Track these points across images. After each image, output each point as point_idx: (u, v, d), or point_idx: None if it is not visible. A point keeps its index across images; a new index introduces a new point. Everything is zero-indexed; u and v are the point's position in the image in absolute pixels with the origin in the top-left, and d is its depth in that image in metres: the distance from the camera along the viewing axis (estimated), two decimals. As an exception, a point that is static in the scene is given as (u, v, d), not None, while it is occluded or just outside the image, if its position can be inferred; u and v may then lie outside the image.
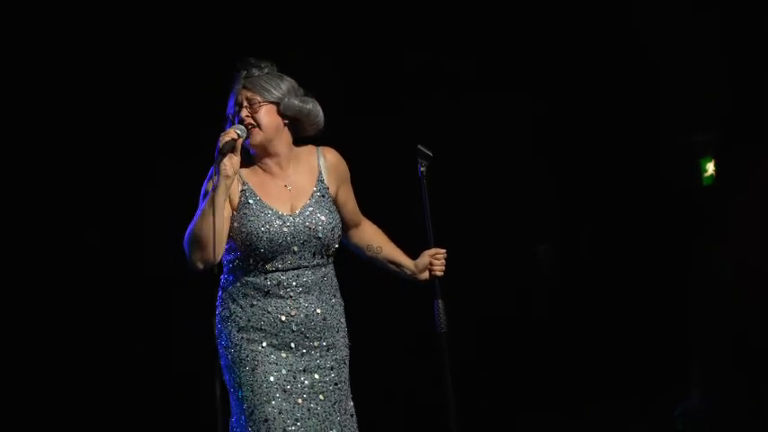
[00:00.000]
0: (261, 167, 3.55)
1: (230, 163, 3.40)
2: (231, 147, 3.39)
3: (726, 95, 5.56)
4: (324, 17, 5.57)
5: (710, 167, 5.84)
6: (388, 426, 3.81)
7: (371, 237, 3.72)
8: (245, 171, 3.54)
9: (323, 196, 3.55)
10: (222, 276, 3.55)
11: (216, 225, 3.37)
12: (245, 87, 3.50)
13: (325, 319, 3.53)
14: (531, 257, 6.22)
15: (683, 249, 5.77)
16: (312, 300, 3.51)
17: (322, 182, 3.57)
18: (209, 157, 3.42)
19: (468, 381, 4.66)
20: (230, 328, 3.49)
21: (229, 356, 3.48)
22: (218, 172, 3.38)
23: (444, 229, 3.80)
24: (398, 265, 3.70)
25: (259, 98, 3.48)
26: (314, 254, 3.51)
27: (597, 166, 6.05)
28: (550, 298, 6.08)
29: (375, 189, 3.66)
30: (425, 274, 3.66)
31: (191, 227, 3.40)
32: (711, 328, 5.49)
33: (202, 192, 3.44)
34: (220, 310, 3.53)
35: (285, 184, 3.54)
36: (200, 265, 3.41)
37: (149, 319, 5.51)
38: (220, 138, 3.40)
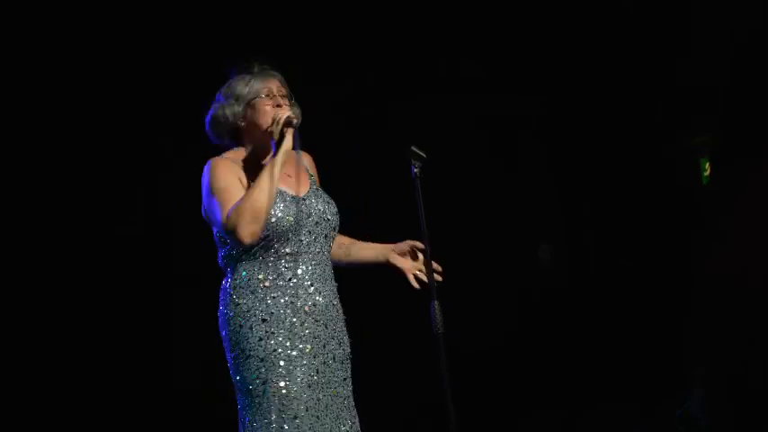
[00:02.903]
0: (266, 157, 3.52)
1: (291, 138, 3.42)
2: (290, 122, 3.41)
3: (725, 95, 5.55)
4: (323, 16, 5.58)
5: (709, 167, 5.84)
6: (387, 426, 3.80)
7: (340, 236, 3.69)
8: (255, 166, 3.51)
9: (317, 188, 3.57)
10: (231, 271, 3.46)
11: (271, 199, 3.37)
12: (279, 81, 3.52)
13: (338, 311, 3.51)
14: (531, 257, 6.21)
15: (683, 250, 5.76)
16: (328, 289, 3.49)
17: (312, 176, 3.59)
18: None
19: (467, 383, 4.66)
20: (251, 322, 3.39)
21: (251, 352, 3.38)
22: (277, 145, 3.40)
23: (443, 230, 3.80)
24: (369, 249, 3.69)
25: (289, 95, 3.52)
26: (326, 237, 3.50)
27: (598, 165, 6.05)
28: (550, 298, 6.07)
29: (372, 189, 3.65)
30: (400, 260, 3.65)
31: (245, 201, 3.34)
32: (713, 329, 5.48)
33: (219, 179, 3.39)
34: (235, 305, 3.42)
35: (287, 173, 3.52)
36: (249, 240, 3.35)
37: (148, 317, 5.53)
38: (278, 114, 3.42)
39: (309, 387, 3.39)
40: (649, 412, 5.68)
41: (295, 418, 3.35)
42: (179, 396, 5.51)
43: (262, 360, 3.38)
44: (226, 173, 3.42)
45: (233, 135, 3.55)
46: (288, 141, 3.42)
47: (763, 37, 5.36)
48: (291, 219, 3.43)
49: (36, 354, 5.41)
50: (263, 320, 3.39)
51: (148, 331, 5.52)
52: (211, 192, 3.41)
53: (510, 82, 5.85)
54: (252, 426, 3.38)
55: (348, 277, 3.64)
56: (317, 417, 3.39)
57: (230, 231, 3.33)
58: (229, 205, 3.35)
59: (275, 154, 3.42)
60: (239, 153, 3.53)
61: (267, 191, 3.36)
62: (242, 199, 3.35)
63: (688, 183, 5.89)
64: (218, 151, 3.55)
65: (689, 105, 5.72)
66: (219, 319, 3.48)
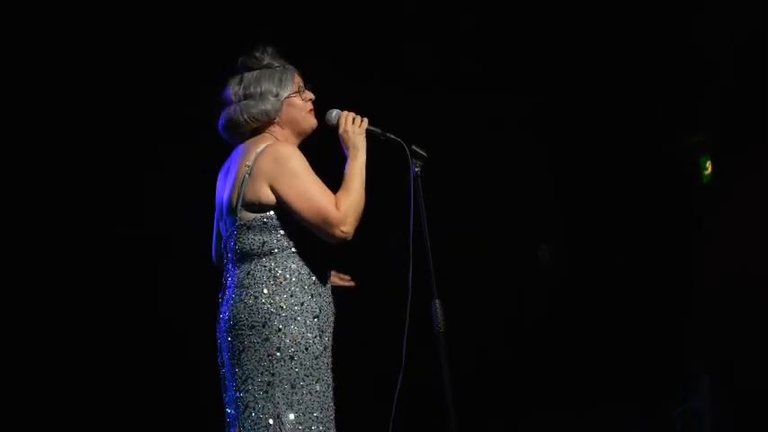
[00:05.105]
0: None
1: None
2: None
3: (725, 95, 5.55)
4: (322, 11, 5.58)
5: (710, 166, 5.83)
6: (386, 426, 3.79)
7: None
8: None
9: None
10: (272, 260, 3.37)
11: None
12: (299, 73, 3.56)
13: None
14: (531, 257, 6.21)
15: (683, 250, 5.76)
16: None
17: None
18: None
19: (467, 382, 4.66)
20: (305, 316, 3.35)
21: (308, 346, 3.34)
22: (360, 147, 3.47)
23: (443, 229, 3.80)
24: None
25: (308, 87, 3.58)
26: None
27: (598, 165, 6.05)
28: (550, 298, 6.07)
29: (372, 188, 3.64)
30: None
31: (355, 199, 3.36)
32: (713, 329, 5.48)
33: (303, 168, 3.36)
34: (288, 296, 3.35)
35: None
36: (350, 237, 3.36)
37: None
38: (350, 117, 3.51)
39: (331, 388, 3.42)
40: (649, 412, 5.67)
41: (332, 419, 3.38)
42: (178, 395, 5.51)
43: (317, 358, 3.36)
44: (306, 162, 3.39)
45: (254, 131, 3.51)
46: (365, 143, 3.49)
47: (763, 37, 5.36)
48: None
49: (36, 353, 5.41)
50: (315, 317, 3.38)
51: (148, 331, 5.52)
52: (296, 176, 3.34)
53: (510, 82, 5.85)
54: (291, 423, 3.31)
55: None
56: (334, 418, 3.42)
57: (339, 224, 3.32)
58: (329, 195, 3.34)
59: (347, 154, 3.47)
60: (276, 140, 3.48)
61: (364, 192, 3.41)
62: (347, 195, 3.36)
63: (688, 182, 5.89)
64: (227, 146, 3.55)
65: (689, 105, 5.72)
66: (250, 309, 3.36)
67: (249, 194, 3.38)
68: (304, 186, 3.34)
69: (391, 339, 3.42)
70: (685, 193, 5.84)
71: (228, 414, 3.44)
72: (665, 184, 5.91)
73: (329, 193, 3.36)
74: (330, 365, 3.42)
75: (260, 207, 3.38)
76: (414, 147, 3.57)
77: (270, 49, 3.54)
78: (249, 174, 3.39)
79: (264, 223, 3.38)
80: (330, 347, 3.43)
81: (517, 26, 5.87)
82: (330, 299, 3.45)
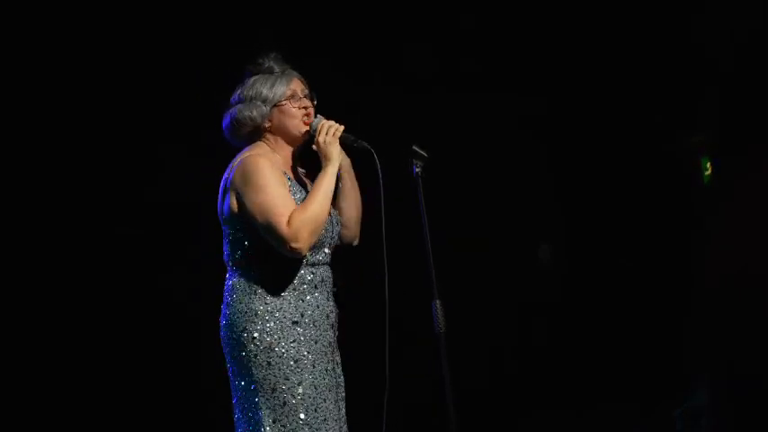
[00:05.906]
0: (285, 163, 3.53)
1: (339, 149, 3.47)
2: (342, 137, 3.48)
3: (725, 95, 5.55)
4: (322, 12, 5.58)
5: (711, 166, 5.83)
6: (386, 427, 3.80)
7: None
8: (282, 165, 3.51)
9: None
10: (252, 269, 3.44)
11: (327, 212, 3.42)
12: (301, 81, 3.55)
13: (338, 316, 3.56)
14: (531, 257, 6.21)
15: (684, 250, 5.76)
16: (331, 296, 3.53)
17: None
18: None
19: (467, 382, 4.66)
20: (282, 322, 3.40)
21: (283, 353, 3.39)
22: (331, 158, 3.43)
23: (443, 229, 3.80)
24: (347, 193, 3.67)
25: (310, 95, 3.56)
26: (332, 247, 3.54)
27: (598, 165, 6.05)
28: (550, 298, 6.06)
29: (370, 189, 3.64)
30: None
31: (307, 213, 3.33)
32: (713, 329, 5.47)
33: (266, 181, 3.37)
34: (263, 304, 3.41)
35: (309, 181, 3.56)
36: (305, 252, 3.38)
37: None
38: (326, 125, 3.45)
39: (330, 391, 3.44)
40: (649, 412, 5.67)
41: (325, 420, 3.40)
42: (178, 396, 5.51)
43: (296, 361, 3.39)
44: (271, 173, 3.39)
45: (252, 135, 3.53)
46: (339, 153, 3.45)
47: (763, 37, 5.36)
48: (329, 228, 3.49)
49: (35, 354, 5.41)
50: (294, 322, 3.41)
51: (148, 332, 5.51)
52: (257, 190, 3.37)
53: (510, 82, 5.84)
54: (274, 427, 3.36)
55: (347, 275, 3.65)
56: (336, 419, 3.45)
57: (289, 240, 3.31)
58: (283, 210, 3.33)
59: (323, 164, 3.44)
60: (264, 150, 3.50)
61: (327, 205, 3.40)
62: (303, 210, 3.34)
63: (688, 182, 5.88)
64: (231, 148, 3.55)
65: (689, 105, 5.72)
66: (233, 317, 3.43)
67: (227, 207, 3.44)
68: (262, 199, 3.35)
69: (392, 340, 3.45)
70: (685, 193, 5.83)
71: None
72: (665, 184, 5.90)
73: (289, 207, 3.35)
74: (321, 366, 3.42)
75: (237, 219, 3.42)
76: (414, 147, 3.57)
77: (273, 54, 3.55)
78: (226, 186, 3.44)
79: (242, 234, 3.43)
80: (319, 351, 3.43)
81: (517, 26, 5.86)
82: (320, 302, 3.47)
